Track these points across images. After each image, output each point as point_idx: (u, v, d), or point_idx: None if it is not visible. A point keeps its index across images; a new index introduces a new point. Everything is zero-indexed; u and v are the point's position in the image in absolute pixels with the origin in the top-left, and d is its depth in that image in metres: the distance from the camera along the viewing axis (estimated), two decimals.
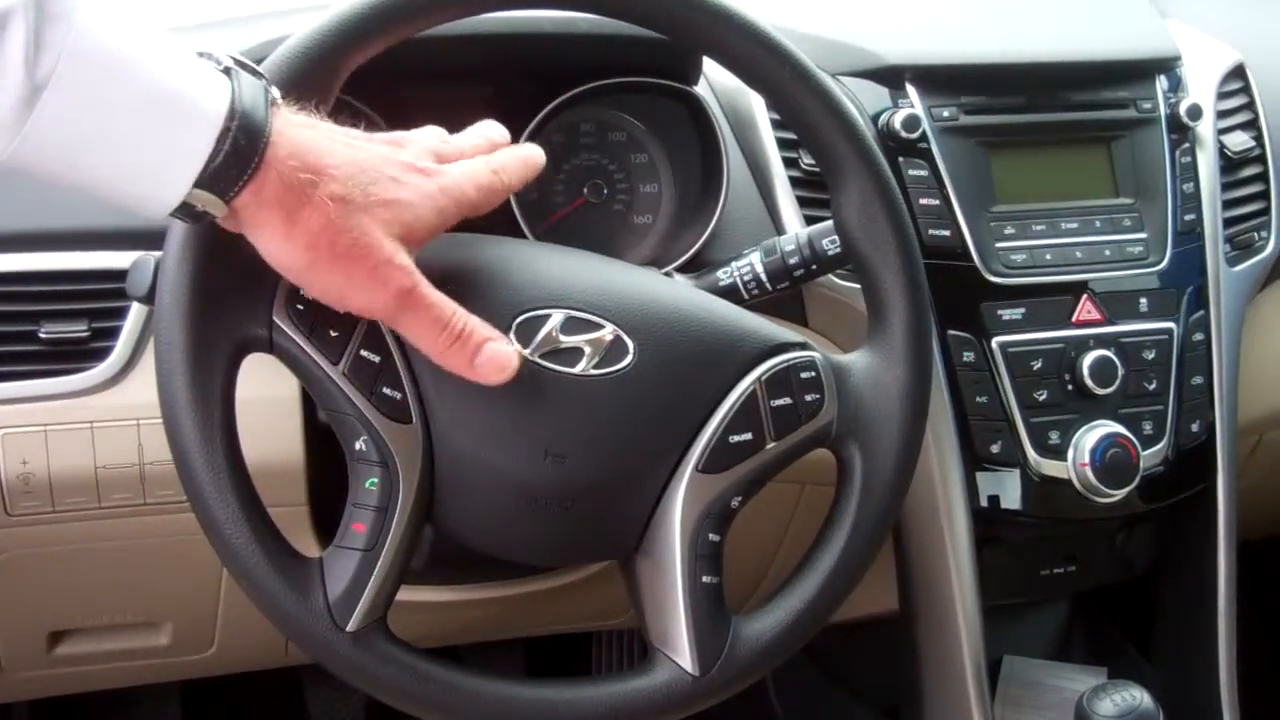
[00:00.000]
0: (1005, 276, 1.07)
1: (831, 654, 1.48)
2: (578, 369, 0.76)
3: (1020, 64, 1.13)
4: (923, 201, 1.06)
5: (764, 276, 0.92)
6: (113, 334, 0.92)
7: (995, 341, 1.06)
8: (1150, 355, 1.09)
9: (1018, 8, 1.22)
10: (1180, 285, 1.12)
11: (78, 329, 0.91)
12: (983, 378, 1.06)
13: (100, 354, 0.92)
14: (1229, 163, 1.18)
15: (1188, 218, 1.14)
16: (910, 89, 1.08)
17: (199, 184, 0.65)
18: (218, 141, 0.65)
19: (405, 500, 0.73)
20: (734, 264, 0.93)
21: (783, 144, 1.05)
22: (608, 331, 0.77)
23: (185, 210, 0.67)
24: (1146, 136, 1.14)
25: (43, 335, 0.91)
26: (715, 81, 1.08)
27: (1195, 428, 1.11)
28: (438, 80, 1.01)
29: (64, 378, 0.92)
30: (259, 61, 0.72)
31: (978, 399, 1.05)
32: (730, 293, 0.91)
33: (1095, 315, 1.08)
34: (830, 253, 0.89)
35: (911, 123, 1.06)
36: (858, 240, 0.83)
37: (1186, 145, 1.15)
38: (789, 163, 1.05)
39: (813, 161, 1.02)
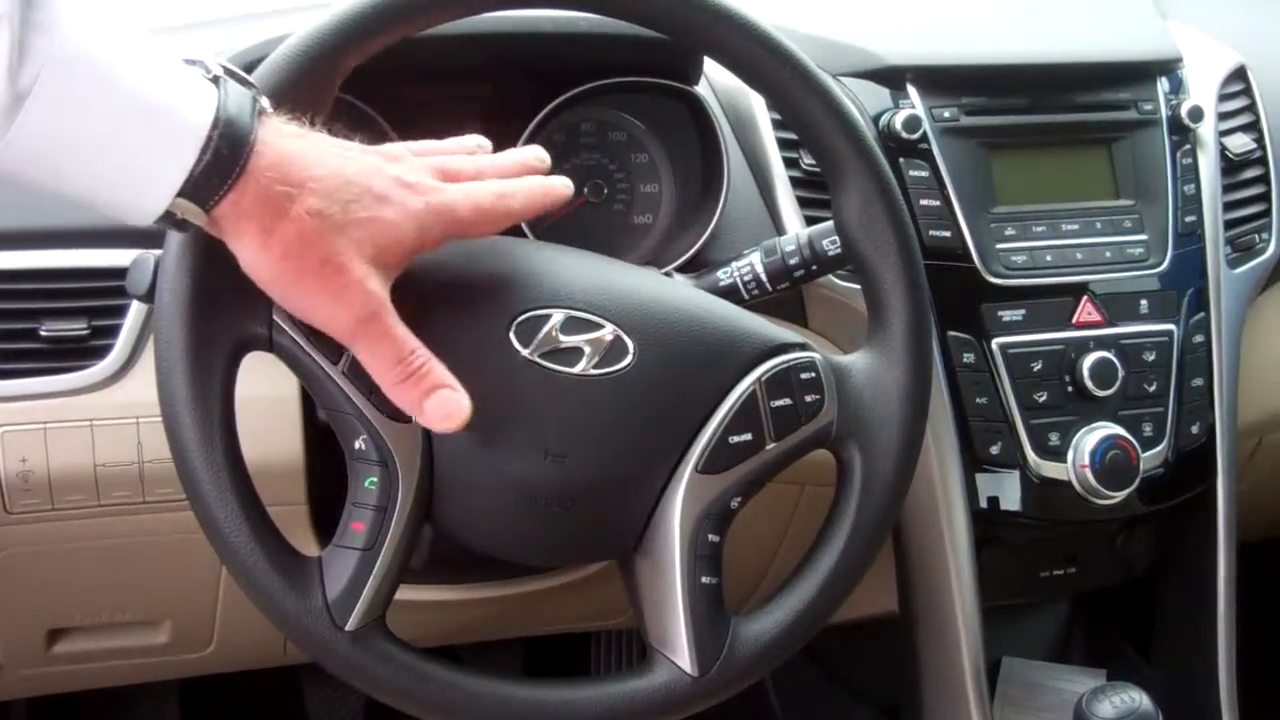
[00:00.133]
0: (1005, 278, 1.07)
1: (831, 654, 1.48)
2: (577, 369, 0.76)
3: (1021, 65, 1.13)
4: (923, 202, 1.06)
5: (764, 277, 0.92)
6: (112, 332, 0.92)
7: (995, 343, 1.06)
8: (1150, 357, 1.09)
9: (1019, 9, 1.22)
10: (1181, 287, 1.12)
11: (78, 327, 0.91)
12: (983, 379, 1.06)
13: (100, 352, 0.92)
14: (1230, 164, 1.18)
15: (1188, 219, 1.13)
16: (911, 90, 1.08)
17: (181, 193, 0.65)
18: (200, 152, 0.64)
19: (404, 499, 0.73)
20: (734, 264, 0.93)
21: (783, 144, 1.05)
22: (608, 331, 0.77)
23: (168, 218, 0.67)
24: (1147, 138, 1.14)
25: (43, 333, 0.91)
26: (716, 81, 1.08)
27: (1195, 430, 1.11)
28: (438, 80, 1.01)
29: (64, 376, 0.92)
30: (259, 61, 0.72)
31: (978, 400, 1.05)
32: (730, 293, 0.91)
33: (1095, 317, 1.08)
34: (830, 253, 0.89)
35: (912, 123, 1.06)
36: (858, 241, 0.83)
37: (1187, 147, 1.15)
38: (789, 163, 1.05)
39: (813, 162, 1.02)
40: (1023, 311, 1.07)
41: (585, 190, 1.06)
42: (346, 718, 1.66)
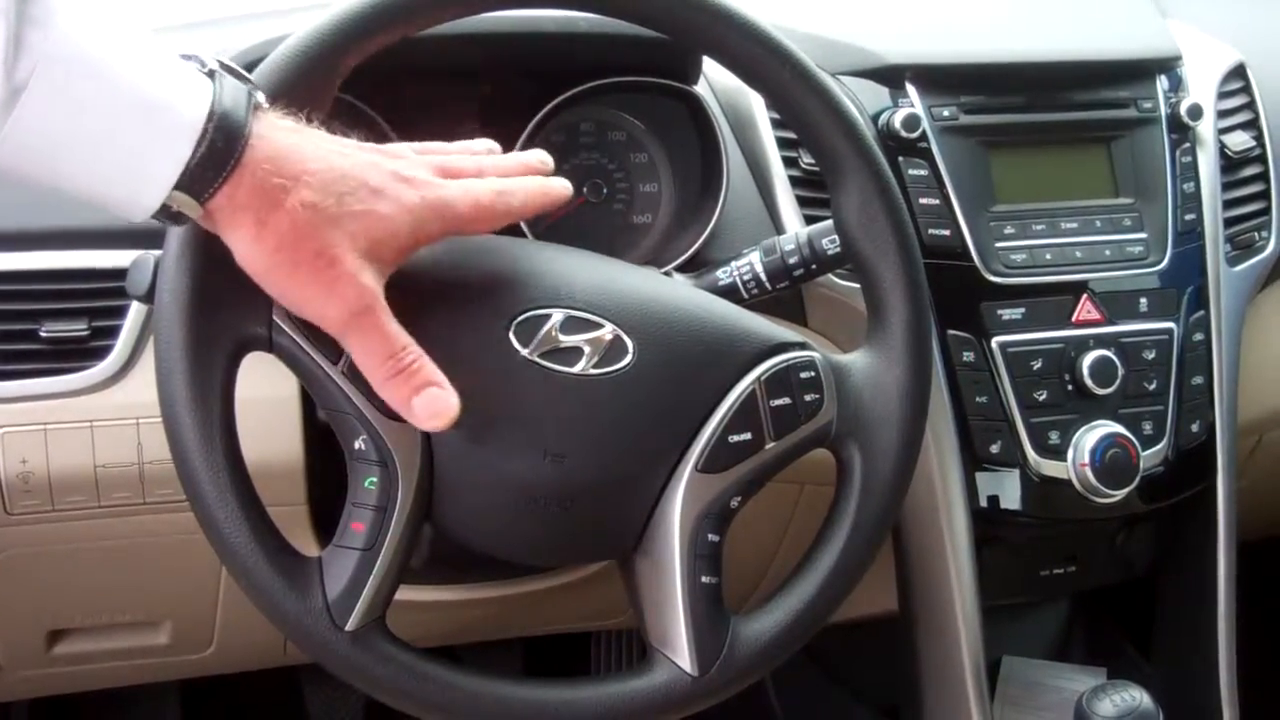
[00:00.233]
0: (1005, 276, 1.07)
1: (831, 654, 1.48)
2: (577, 369, 0.76)
3: (1020, 63, 1.13)
4: (922, 201, 1.06)
5: (763, 276, 0.92)
6: (113, 333, 0.92)
7: (995, 341, 1.06)
8: (1150, 355, 1.09)
9: (1018, 7, 1.22)
10: (1180, 285, 1.12)
11: (78, 328, 0.91)
12: (982, 378, 1.06)
13: (100, 353, 0.92)
14: (1229, 162, 1.18)
15: (1188, 217, 1.13)
16: (910, 88, 1.08)
17: (177, 186, 0.65)
18: (195, 145, 0.65)
19: (404, 499, 0.73)
20: (733, 263, 0.93)
21: (782, 143, 1.05)
22: (607, 331, 0.77)
23: (163, 211, 0.67)
24: (1147, 136, 1.14)
25: (43, 334, 0.91)
26: (715, 81, 1.08)
27: (1195, 428, 1.11)
28: (438, 80, 1.01)
29: (64, 377, 0.92)
30: (259, 60, 0.72)
31: (977, 399, 1.05)
32: (730, 292, 0.91)
33: (1095, 315, 1.08)
34: (830, 252, 0.89)
35: (911, 122, 1.06)
36: (857, 240, 0.83)
37: (1187, 145, 1.15)
38: (789, 162, 1.05)
39: (812, 161, 1.02)
40: (1022, 310, 1.07)
41: (585, 190, 1.06)
42: (346, 718, 1.66)
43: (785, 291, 0.93)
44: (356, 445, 0.73)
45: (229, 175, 0.66)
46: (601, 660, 1.62)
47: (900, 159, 1.05)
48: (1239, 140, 1.19)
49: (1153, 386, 1.09)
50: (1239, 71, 1.21)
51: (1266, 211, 1.20)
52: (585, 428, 0.76)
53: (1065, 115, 1.13)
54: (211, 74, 0.67)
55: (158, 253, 0.73)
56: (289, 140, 0.68)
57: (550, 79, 1.00)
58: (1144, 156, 1.13)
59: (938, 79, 1.09)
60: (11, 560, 0.97)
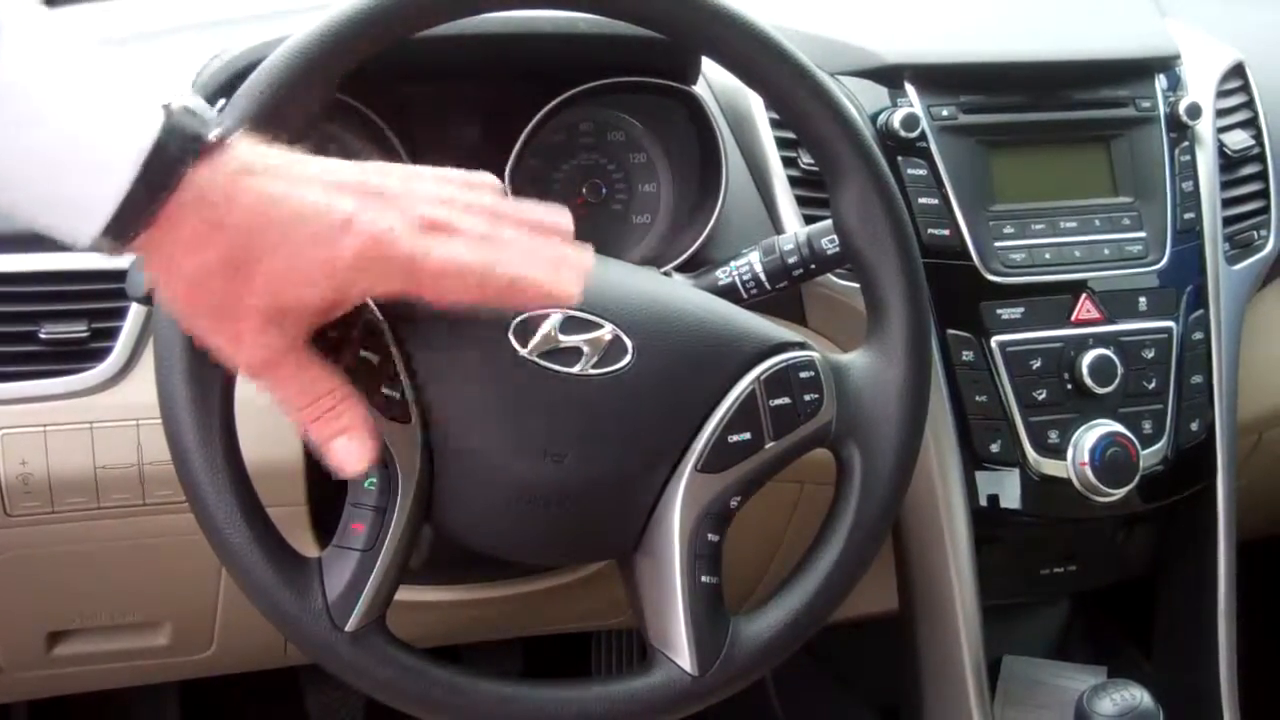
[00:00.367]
0: (1004, 276, 1.07)
1: (831, 654, 1.48)
2: (576, 368, 0.76)
3: (1019, 63, 1.13)
4: (922, 201, 1.06)
5: (763, 276, 0.92)
6: (112, 334, 0.92)
7: (994, 341, 1.06)
8: (1150, 354, 1.09)
9: (1017, 7, 1.22)
10: (1180, 284, 1.12)
11: (77, 329, 0.91)
12: (982, 377, 1.06)
13: (100, 354, 0.92)
14: (1228, 161, 1.18)
15: (1187, 216, 1.13)
16: (909, 88, 1.08)
17: (105, 228, 0.63)
18: (124, 187, 0.62)
19: (404, 500, 0.73)
20: (733, 263, 0.93)
21: (782, 143, 1.05)
22: (606, 331, 0.77)
23: (101, 244, 0.65)
24: (1146, 135, 1.14)
25: (43, 335, 0.91)
26: (714, 81, 1.08)
27: (1195, 427, 1.11)
28: (438, 80, 1.01)
29: (64, 378, 0.92)
30: (253, 66, 0.72)
31: (977, 398, 1.05)
32: (729, 292, 0.91)
33: (1094, 314, 1.08)
34: (829, 252, 0.89)
35: (910, 122, 1.06)
36: (857, 240, 0.83)
37: (1186, 144, 1.15)
38: (788, 162, 1.05)
39: (812, 161, 1.02)
40: (1022, 309, 1.07)
41: (584, 190, 1.06)
42: (346, 718, 1.66)
43: (784, 291, 0.93)
44: None
45: (150, 221, 0.63)
46: (601, 660, 1.62)
47: (899, 159, 1.05)
48: (1238, 139, 1.19)
49: (1152, 385, 1.09)
50: (1238, 70, 1.21)
51: (1265, 210, 1.20)
52: (585, 428, 0.76)
53: (1064, 115, 1.13)
54: (168, 107, 0.64)
55: None
56: (230, 183, 0.64)
57: (549, 80, 1.00)
58: (1143, 156, 1.13)
59: (937, 79, 1.09)
60: (11, 562, 0.97)
